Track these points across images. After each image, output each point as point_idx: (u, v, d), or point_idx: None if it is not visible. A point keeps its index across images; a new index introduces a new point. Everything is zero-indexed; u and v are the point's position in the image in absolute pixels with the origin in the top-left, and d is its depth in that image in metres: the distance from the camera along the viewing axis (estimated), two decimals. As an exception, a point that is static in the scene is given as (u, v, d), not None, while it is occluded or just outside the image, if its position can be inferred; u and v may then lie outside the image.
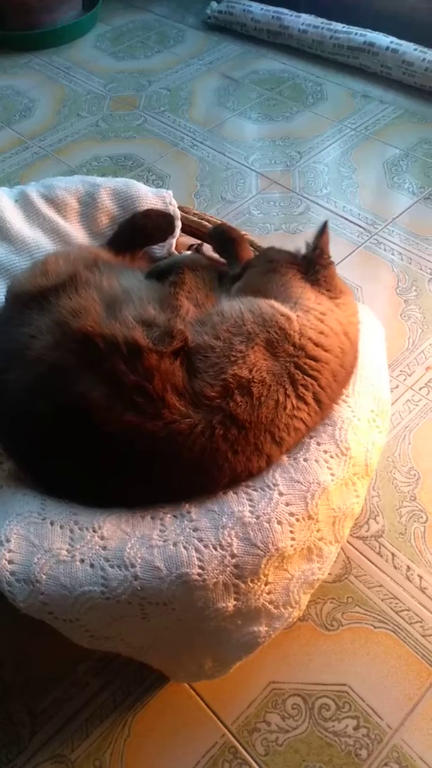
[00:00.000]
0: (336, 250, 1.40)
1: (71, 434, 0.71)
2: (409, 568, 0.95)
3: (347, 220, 1.49)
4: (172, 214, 1.12)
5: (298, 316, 0.77)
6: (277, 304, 0.78)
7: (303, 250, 0.88)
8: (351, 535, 0.97)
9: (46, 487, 0.77)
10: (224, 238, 1.01)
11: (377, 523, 1.00)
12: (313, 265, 0.85)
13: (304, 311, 0.78)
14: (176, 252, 1.16)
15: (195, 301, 0.81)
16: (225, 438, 0.70)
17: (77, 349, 0.73)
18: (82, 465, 0.72)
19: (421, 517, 1.00)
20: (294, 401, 0.73)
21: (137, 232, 1.10)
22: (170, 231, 1.12)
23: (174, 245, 1.16)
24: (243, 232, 1.05)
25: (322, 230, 0.86)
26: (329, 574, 0.78)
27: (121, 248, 1.03)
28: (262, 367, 0.72)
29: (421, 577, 0.94)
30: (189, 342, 0.74)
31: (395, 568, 0.95)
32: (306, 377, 0.75)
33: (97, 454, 0.71)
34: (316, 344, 0.76)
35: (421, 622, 0.90)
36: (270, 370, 0.73)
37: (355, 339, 0.83)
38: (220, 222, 1.15)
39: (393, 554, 0.97)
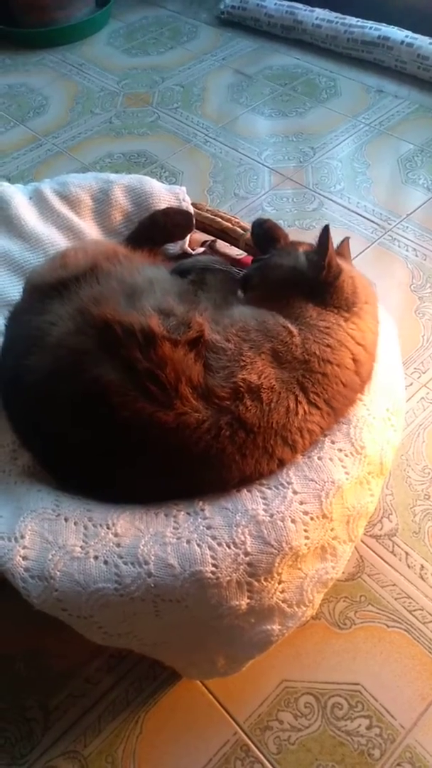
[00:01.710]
0: (350, 246, 1.40)
1: (87, 420, 0.72)
2: (422, 567, 0.94)
3: (361, 216, 1.48)
4: (189, 212, 1.12)
5: (300, 330, 0.76)
6: (280, 317, 0.77)
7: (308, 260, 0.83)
8: (364, 533, 0.96)
9: (59, 478, 0.78)
10: (266, 236, 0.99)
11: (390, 521, 0.99)
12: (316, 286, 0.80)
13: (306, 326, 0.77)
14: (190, 249, 1.16)
15: (213, 302, 0.81)
16: (232, 440, 0.70)
17: (96, 334, 0.74)
18: (96, 453, 0.73)
19: (436, 516, 0.99)
20: (306, 407, 0.73)
21: (156, 229, 1.10)
22: (189, 228, 1.13)
23: (188, 242, 1.16)
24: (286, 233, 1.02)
25: (325, 241, 0.79)
26: (342, 572, 0.77)
27: (139, 245, 1.03)
28: (270, 374, 0.72)
29: (435, 577, 0.93)
30: (205, 335, 0.74)
31: (409, 567, 0.95)
32: (317, 386, 0.74)
33: (110, 441, 0.71)
34: (322, 359, 0.75)
35: (435, 621, 0.89)
36: (279, 377, 0.73)
37: (372, 348, 0.81)
38: (233, 216, 1.15)
39: (407, 553, 0.96)
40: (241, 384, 0.71)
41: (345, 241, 0.92)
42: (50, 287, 0.84)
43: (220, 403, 0.70)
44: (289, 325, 0.76)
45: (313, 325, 0.77)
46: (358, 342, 0.79)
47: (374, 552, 0.96)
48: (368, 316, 0.82)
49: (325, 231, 0.79)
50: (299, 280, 0.81)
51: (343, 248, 0.91)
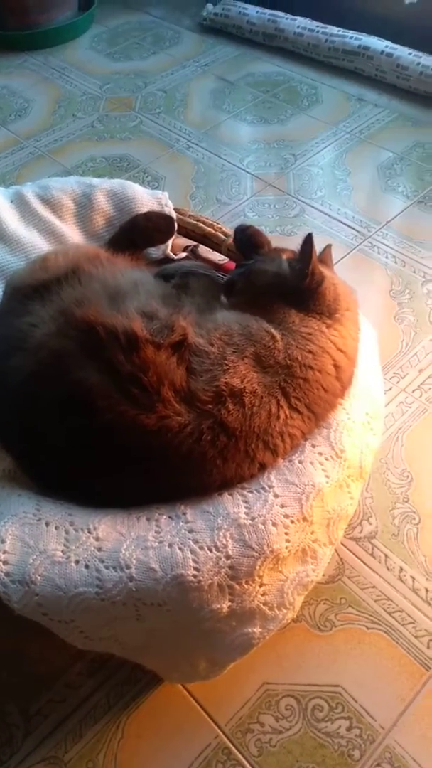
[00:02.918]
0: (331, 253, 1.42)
1: (69, 423, 0.72)
2: (401, 569, 0.96)
3: (342, 223, 1.50)
4: (171, 216, 1.13)
5: (283, 335, 0.77)
6: (263, 323, 0.78)
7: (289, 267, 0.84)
8: (344, 536, 0.97)
9: (40, 482, 0.78)
10: (249, 242, 1.00)
11: (370, 524, 1.00)
12: (299, 293, 0.81)
13: (289, 332, 0.78)
14: (172, 254, 1.16)
15: (197, 306, 0.81)
16: (213, 444, 0.70)
17: (79, 336, 0.74)
18: (78, 457, 0.73)
19: (414, 519, 1.01)
20: (287, 411, 0.74)
21: (138, 233, 1.11)
22: (170, 233, 1.13)
23: (170, 247, 1.16)
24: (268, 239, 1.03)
25: (308, 249, 0.80)
26: (322, 575, 0.78)
27: (120, 249, 1.03)
28: (252, 378, 0.73)
29: (413, 578, 0.95)
30: (189, 339, 0.74)
31: (388, 569, 0.96)
32: (298, 391, 0.75)
33: (93, 445, 0.71)
34: (303, 365, 0.76)
35: (413, 623, 0.91)
36: (261, 382, 0.73)
37: (353, 354, 0.83)
38: (215, 222, 1.16)
39: (386, 555, 0.97)
40: (224, 388, 0.71)
41: (327, 249, 0.93)
42: (31, 289, 0.84)
43: (203, 406, 0.70)
44: (272, 330, 0.77)
45: (295, 331, 0.78)
46: (339, 348, 0.80)
47: (354, 554, 0.97)
48: (349, 322, 0.84)
49: (308, 239, 0.80)
50: (282, 286, 0.82)
51: (326, 255, 0.92)
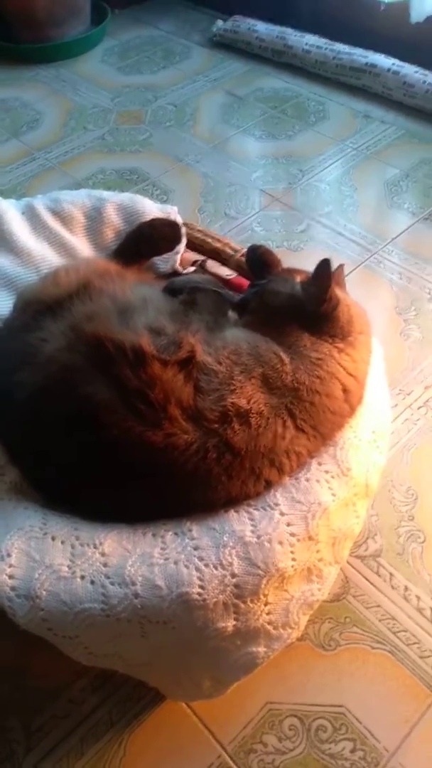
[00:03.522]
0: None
1: (76, 437, 0.72)
2: (407, 588, 0.95)
3: (348, 238, 1.50)
4: (177, 222, 1.12)
5: (292, 359, 0.77)
6: (273, 344, 0.78)
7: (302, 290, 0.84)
8: (350, 554, 0.97)
9: (46, 495, 0.78)
10: (259, 261, 0.99)
11: (375, 542, 1.00)
12: (313, 318, 0.81)
13: (299, 355, 0.78)
14: (180, 268, 1.17)
15: (205, 323, 0.81)
16: (218, 462, 0.70)
17: (88, 351, 0.74)
18: (84, 471, 0.73)
19: (419, 537, 1.00)
20: (293, 432, 0.74)
21: (143, 242, 1.10)
22: (177, 241, 1.12)
23: (178, 261, 1.17)
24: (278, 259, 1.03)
25: (326, 274, 0.79)
26: (327, 593, 0.78)
27: (128, 259, 1.03)
28: (259, 399, 0.73)
29: (419, 598, 0.94)
30: (197, 356, 0.74)
31: (393, 588, 0.95)
32: (305, 413, 0.75)
33: (100, 460, 0.71)
34: (310, 389, 0.75)
35: (418, 643, 0.90)
36: (268, 403, 0.73)
37: (363, 378, 0.82)
38: (223, 237, 1.17)
39: (391, 574, 0.97)
40: (231, 408, 0.71)
41: (340, 268, 0.92)
42: (43, 305, 0.84)
43: (209, 425, 0.70)
44: (281, 353, 0.77)
45: (305, 355, 0.78)
46: (349, 373, 0.79)
47: (359, 573, 0.97)
48: (362, 346, 0.83)
49: (325, 265, 0.80)
50: (296, 309, 0.82)
51: (338, 275, 0.92)
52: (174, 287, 0.90)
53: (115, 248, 1.11)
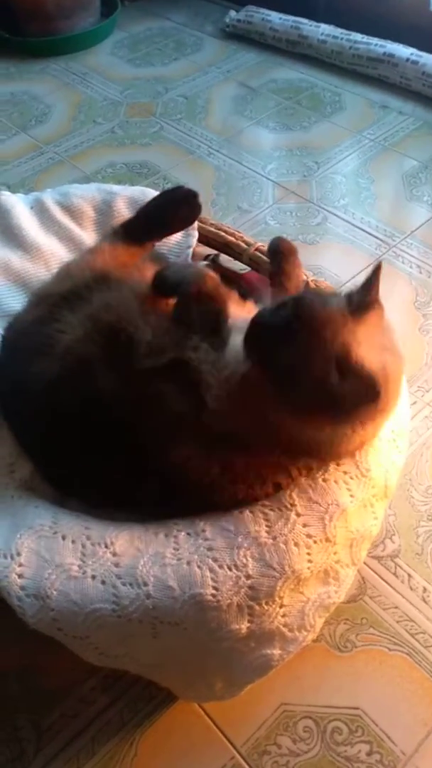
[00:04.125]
0: (354, 262, 1.40)
1: (90, 430, 0.71)
2: (425, 589, 0.93)
3: (365, 231, 1.48)
4: (193, 191, 1.00)
5: None
6: None
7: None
8: (366, 554, 0.95)
9: (59, 488, 0.78)
10: (275, 249, 0.93)
11: (393, 542, 0.98)
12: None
13: None
14: (192, 263, 1.15)
15: (202, 335, 0.72)
16: (222, 472, 0.69)
17: (103, 342, 0.73)
18: (97, 465, 0.72)
19: (438, 537, 0.98)
20: None
21: (158, 215, 1.00)
22: (193, 215, 1.02)
23: (190, 255, 1.15)
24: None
25: (375, 279, 0.68)
26: (345, 592, 0.76)
27: (136, 239, 0.96)
28: None
29: (437, 599, 0.92)
30: (200, 375, 0.70)
31: (411, 589, 0.93)
32: None
33: (111, 452, 0.71)
34: None
35: (436, 645, 0.88)
36: None
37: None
38: (236, 230, 1.15)
39: (409, 575, 0.94)
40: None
41: (377, 273, 0.69)
42: (59, 297, 0.83)
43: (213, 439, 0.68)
44: None
45: None
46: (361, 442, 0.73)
47: (376, 573, 0.95)
48: (382, 419, 0.73)
49: (377, 270, 0.68)
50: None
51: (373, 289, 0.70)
52: (165, 283, 0.79)
53: (122, 226, 1.00)
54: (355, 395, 0.63)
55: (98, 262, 0.90)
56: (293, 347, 0.64)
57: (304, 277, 1.03)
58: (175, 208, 1.00)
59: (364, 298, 0.67)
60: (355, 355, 0.63)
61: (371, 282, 0.68)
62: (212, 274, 0.76)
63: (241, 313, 0.76)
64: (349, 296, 0.68)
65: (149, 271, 0.86)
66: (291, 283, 0.90)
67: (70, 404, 0.73)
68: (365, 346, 0.65)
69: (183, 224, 1.05)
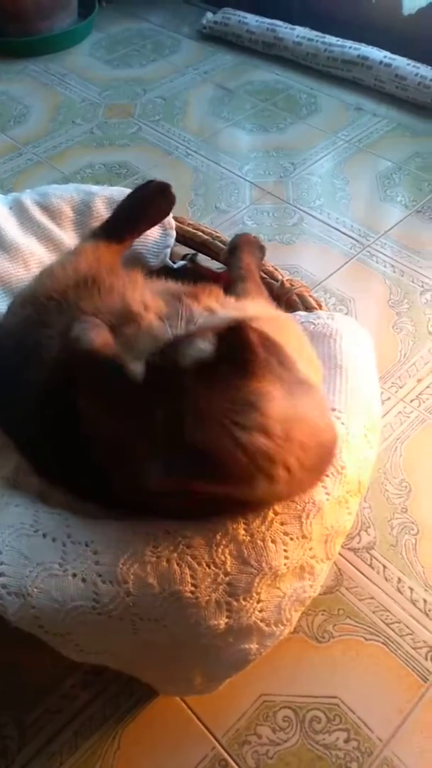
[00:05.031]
0: (329, 261, 1.42)
1: (77, 439, 0.71)
2: (400, 580, 0.96)
3: (340, 231, 1.50)
4: (165, 182, 1.05)
5: None
6: None
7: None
8: (343, 546, 0.97)
9: (48, 481, 0.80)
10: (234, 244, 0.99)
11: (369, 534, 1.00)
12: None
13: None
14: (171, 262, 1.16)
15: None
16: None
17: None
18: (88, 465, 0.73)
19: (413, 529, 1.01)
20: None
21: (138, 207, 1.04)
22: (170, 206, 1.05)
23: (168, 255, 1.16)
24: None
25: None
26: (321, 586, 0.78)
27: (115, 236, 0.99)
28: None
29: (412, 589, 0.94)
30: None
31: (386, 580, 0.96)
32: None
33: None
34: None
35: (411, 634, 0.90)
36: None
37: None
38: (214, 230, 1.16)
39: (384, 566, 0.97)
40: None
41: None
42: (47, 298, 0.84)
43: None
44: None
45: None
46: None
47: (352, 565, 0.97)
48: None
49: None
50: None
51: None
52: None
53: (100, 227, 1.04)
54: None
55: (82, 265, 0.90)
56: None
57: (280, 277, 1.06)
58: (150, 200, 1.04)
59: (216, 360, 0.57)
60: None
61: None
62: None
63: (222, 310, 0.76)
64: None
65: (140, 278, 0.87)
66: (250, 276, 0.94)
67: (59, 413, 0.73)
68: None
69: (160, 216, 1.08)
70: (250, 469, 0.56)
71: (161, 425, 0.57)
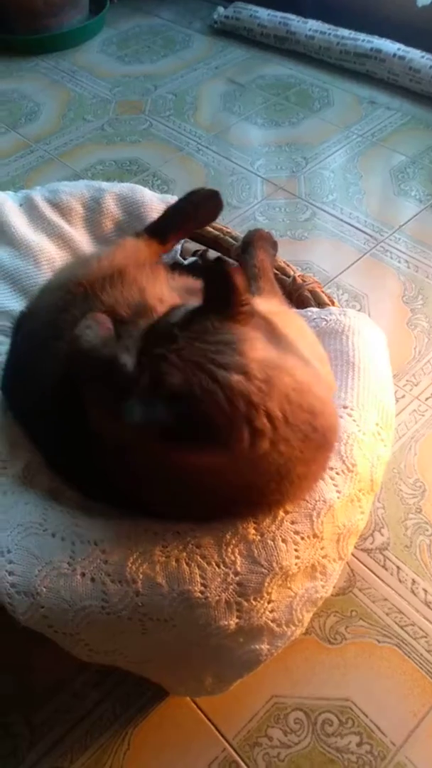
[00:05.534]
0: (342, 257, 1.40)
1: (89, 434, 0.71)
2: (414, 581, 0.94)
3: (353, 227, 1.48)
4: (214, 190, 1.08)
5: None
6: None
7: None
8: (356, 547, 0.95)
9: (62, 477, 0.80)
10: (248, 239, 0.99)
11: (382, 535, 0.99)
12: None
13: None
14: (182, 258, 1.15)
15: None
16: None
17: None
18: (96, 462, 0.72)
19: (427, 530, 0.99)
20: None
21: (184, 218, 1.06)
22: (218, 211, 1.09)
23: (180, 251, 1.15)
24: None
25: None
26: (333, 588, 0.77)
27: (161, 236, 1.01)
28: None
29: (426, 591, 0.93)
30: None
31: (400, 581, 0.94)
32: None
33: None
34: None
35: (426, 637, 0.89)
36: None
37: None
38: (225, 226, 1.15)
39: (398, 567, 0.95)
40: None
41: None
42: (76, 285, 0.84)
43: None
44: None
45: None
46: None
47: (366, 566, 0.96)
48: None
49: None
50: None
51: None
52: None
53: (148, 224, 1.07)
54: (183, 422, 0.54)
55: (117, 257, 0.91)
56: None
57: (292, 273, 1.04)
58: (202, 203, 1.06)
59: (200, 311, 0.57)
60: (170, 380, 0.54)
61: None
62: None
63: None
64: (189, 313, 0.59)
65: (162, 275, 0.88)
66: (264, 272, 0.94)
67: (70, 406, 0.72)
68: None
69: (208, 218, 1.10)
70: (230, 413, 0.53)
71: (146, 376, 0.56)
